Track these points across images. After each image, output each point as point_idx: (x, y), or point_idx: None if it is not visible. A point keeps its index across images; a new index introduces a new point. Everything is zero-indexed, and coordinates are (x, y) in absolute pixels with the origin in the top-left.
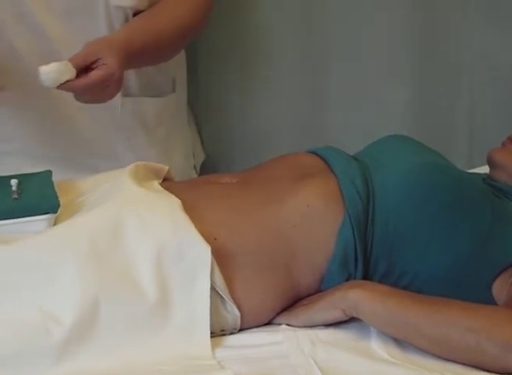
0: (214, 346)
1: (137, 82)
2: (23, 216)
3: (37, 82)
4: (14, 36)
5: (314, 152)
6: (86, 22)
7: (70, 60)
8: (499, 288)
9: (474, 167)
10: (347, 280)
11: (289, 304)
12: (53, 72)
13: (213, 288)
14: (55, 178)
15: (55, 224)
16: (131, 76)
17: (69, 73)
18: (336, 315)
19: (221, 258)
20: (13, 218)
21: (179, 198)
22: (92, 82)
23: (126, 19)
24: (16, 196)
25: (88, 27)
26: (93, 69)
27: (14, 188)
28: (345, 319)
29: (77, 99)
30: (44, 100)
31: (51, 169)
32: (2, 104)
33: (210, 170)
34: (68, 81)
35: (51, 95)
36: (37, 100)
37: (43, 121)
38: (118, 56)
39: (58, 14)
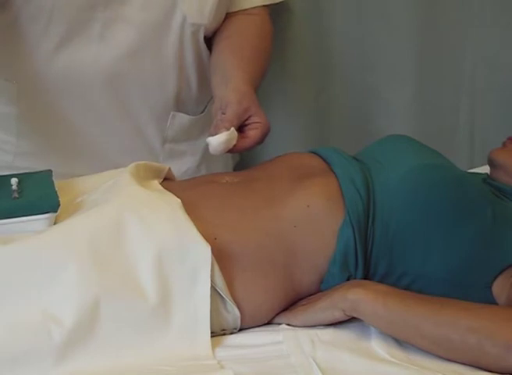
0: (214, 346)
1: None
2: (23, 216)
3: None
4: (81, 44)
5: (314, 152)
6: (157, 34)
7: (227, 123)
8: (499, 288)
9: (475, 167)
10: (347, 280)
11: (289, 304)
12: (223, 143)
13: (213, 288)
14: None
15: (55, 224)
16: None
17: (235, 138)
18: (335, 315)
19: (221, 257)
20: (13, 217)
21: (180, 198)
22: (254, 142)
23: (196, 36)
24: (16, 195)
25: (158, 40)
26: (245, 125)
27: (14, 187)
28: (345, 319)
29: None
30: (105, 106)
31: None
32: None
33: None
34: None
35: (114, 105)
36: (99, 107)
37: (96, 126)
38: (260, 107)
39: (133, 24)
